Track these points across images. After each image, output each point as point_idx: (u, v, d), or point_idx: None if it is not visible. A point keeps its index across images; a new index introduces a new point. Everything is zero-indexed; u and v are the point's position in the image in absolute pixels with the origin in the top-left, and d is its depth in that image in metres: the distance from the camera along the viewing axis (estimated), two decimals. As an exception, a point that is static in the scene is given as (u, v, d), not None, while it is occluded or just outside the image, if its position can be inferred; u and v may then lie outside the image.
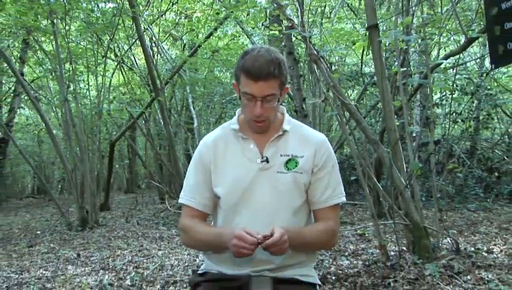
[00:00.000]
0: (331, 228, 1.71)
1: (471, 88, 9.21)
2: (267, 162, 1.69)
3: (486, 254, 4.11)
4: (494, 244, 4.54)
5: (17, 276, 4.77)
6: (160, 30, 11.93)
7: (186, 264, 4.76)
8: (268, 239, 1.51)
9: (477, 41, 8.16)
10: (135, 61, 11.78)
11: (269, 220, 1.65)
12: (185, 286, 3.93)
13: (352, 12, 10.51)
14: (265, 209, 1.67)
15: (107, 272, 4.66)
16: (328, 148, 1.76)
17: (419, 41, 6.24)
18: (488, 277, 3.40)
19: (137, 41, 9.47)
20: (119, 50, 11.10)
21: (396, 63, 5.54)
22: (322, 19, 9.43)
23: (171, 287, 3.96)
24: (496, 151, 9.71)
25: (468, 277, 3.43)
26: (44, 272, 4.85)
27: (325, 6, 10.49)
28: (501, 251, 4.27)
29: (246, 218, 1.67)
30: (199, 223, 1.73)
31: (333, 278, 3.74)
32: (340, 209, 1.77)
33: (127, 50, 10.97)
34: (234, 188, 1.69)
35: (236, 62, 1.67)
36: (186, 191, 1.78)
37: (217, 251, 1.72)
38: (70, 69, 8.75)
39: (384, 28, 7.27)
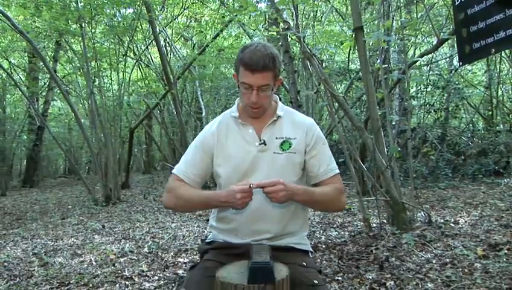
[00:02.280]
0: (336, 187, 1.69)
1: (442, 83, 9.17)
2: (265, 144, 1.67)
3: (453, 225, 4.12)
4: (460, 217, 4.54)
5: (52, 243, 4.79)
6: (173, 32, 11.87)
7: (196, 234, 4.77)
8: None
9: (447, 42, 8.12)
10: (151, 59, 11.71)
11: (266, 199, 1.62)
12: (195, 253, 3.93)
13: (340, 16, 10.43)
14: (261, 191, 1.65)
15: (128, 241, 4.67)
16: (316, 129, 1.74)
17: (398, 41, 6.19)
18: (454, 244, 3.42)
19: (153, 41, 9.41)
20: (137, 49, 11.03)
21: (378, 60, 5.49)
22: (314, 22, 9.33)
23: (183, 254, 3.97)
24: (463, 137, 9.71)
25: (438, 244, 3.44)
26: (75, 240, 4.86)
27: (316, 11, 10.39)
28: (465, 222, 4.28)
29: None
30: (186, 186, 1.71)
31: (323, 246, 3.75)
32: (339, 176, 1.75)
33: (144, 49, 10.91)
34: (236, 168, 1.67)
35: (237, 55, 1.66)
36: (181, 165, 1.75)
37: (202, 208, 1.71)
38: (96, 66, 8.73)
39: (368, 30, 7.19)
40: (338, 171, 1.73)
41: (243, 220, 1.67)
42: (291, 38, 6.84)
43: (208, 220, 5.37)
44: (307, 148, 1.70)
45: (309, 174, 1.73)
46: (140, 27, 9.44)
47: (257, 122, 1.71)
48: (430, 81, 8.95)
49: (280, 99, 1.82)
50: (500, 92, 10.52)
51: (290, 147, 1.68)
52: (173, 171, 1.76)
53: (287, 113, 1.76)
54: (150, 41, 10.32)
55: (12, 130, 14.88)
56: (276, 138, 1.69)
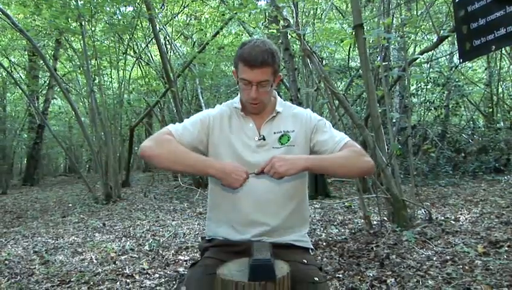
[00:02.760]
0: (351, 149, 1.63)
1: (442, 80, 9.16)
2: (264, 139, 1.67)
3: (454, 222, 4.12)
4: (461, 214, 4.54)
5: (53, 241, 4.80)
6: (173, 30, 11.84)
7: (197, 232, 4.77)
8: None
9: (447, 39, 8.10)
10: (151, 57, 11.70)
11: (266, 187, 1.63)
12: (195, 251, 3.93)
13: (340, 14, 10.41)
14: (262, 182, 1.64)
15: (128, 239, 4.67)
16: (312, 115, 1.74)
17: (399, 39, 6.18)
18: (455, 241, 3.42)
19: (153, 39, 9.41)
20: (137, 47, 11.03)
21: (378, 58, 5.48)
22: (314, 20, 9.31)
23: (183, 252, 3.97)
24: (463, 135, 9.71)
25: (439, 242, 3.44)
26: (75, 238, 4.87)
27: (316, 9, 10.36)
28: (466, 219, 4.28)
29: (244, 191, 1.63)
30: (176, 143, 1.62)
31: (324, 244, 3.74)
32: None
33: (144, 47, 10.90)
34: (235, 158, 1.65)
35: (236, 52, 1.65)
36: (180, 126, 1.69)
37: (184, 168, 1.58)
38: (96, 64, 8.74)
39: (368, 27, 7.18)
40: (348, 139, 1.68)
41: (242, 210, 1.65)
42: (292, 36, 6.83)
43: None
44: (311, 135, 1.69)
45: (322, 152, 1.68)
46: (140, 25, 9.43)
47: (257, 117, 1.71)
48: (430, 78, 8.94)
49: (280, 97, 1.82)
50: (500, 89, 10.51)
51: (288, 140, 1.67)
52: (169, 126, 1.68)
53: (285, 107, 1.76)
54: (150, 39, 10.32)
55: (12, 128, 14.89)
56: (275, 133, 1.69)
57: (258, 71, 1.56)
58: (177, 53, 11.86)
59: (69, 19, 8.01)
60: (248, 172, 1.53)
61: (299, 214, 1.73)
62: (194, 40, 13.44)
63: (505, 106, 10.27)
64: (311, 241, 1.85)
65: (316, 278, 1.54)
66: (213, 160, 1.63)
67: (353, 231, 4.12)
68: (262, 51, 1.56)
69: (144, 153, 1.57)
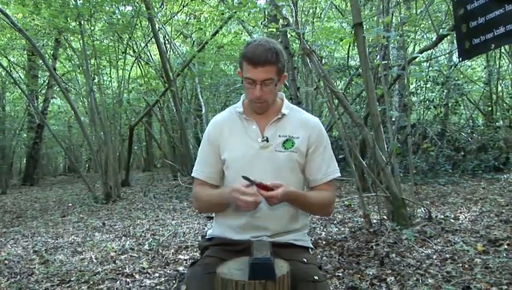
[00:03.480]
0: (328, 196, 1.71)
1: (442, 79, 9.16)
2: (267, 141, 1.67)
3: (453, 221, 4.12)
4: (460, 213, 4.54)
5: (53, 241, 4.80)
6: (173, 29, 11.84)
7: (196, 231, 4.77)
8: (263, 188, 1.49)
9: (446, 38, 8.10)
10: (151, 56, 11.69)
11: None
12: (195, 250, 3.93)
13: (339, 13, 10.41)
14: (263, 180, 1.64)
15: (128, 238, 4.67)
16: (321, 129, 1.74)
17: (398, 37, 6.17)
18: (454, 240, 3.42)
19: (152, 39, 9.40)
20: (137, 47, 11.02)
21: (378, 56, 5.48)
22: (313, 18, 9.33)
23: (183, 251, 3.96)
24: (462, 133, 9.71)
25: (439, 240, 3.44)
26: (75, 238, 4.86)
27: (316, 7, 10.38)
28: (465, 217, 4.28)
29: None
30: (206, 188, 1.72)
31: (324, 242, 3.74)
32: (334, 183, 1.76)
33: (144, 47, 10.89)
34: (237, 163, 1.67)
35: (241, 52, 1.67)
36: (197, 166, 1.76)
37: (222, 208, 1.70)
38: (95, 63, 8.73)
39: (368, 26, 7.18)
40: (337, 173, 1.73)
41: (243, 215, 1.67)
42: (291, 35, 6.84)
43: (208, 217, 5.37)
44: (309, 150, 1.70)
45: (307, 177, 1.73)
46: (139, 24, 9.42)
47: (261, 118, 1.71)
48: (429, 77, 8.93)
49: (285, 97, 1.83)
50: (499, 88, 10.52)
51: (292, 145, 1.67)
52: (193, 174, 1.78)
53: (292, 111, 1.75)
54: (149, 38, 10.31)
55: (12, 128, 14.87)
56: (280, 136, 1.68)
57: (262, 69, 1.57)
58: (176, 52, 11.86)
59: (68, 18, 8.00)
60: (257, 199, 1.49)
61: (299, 217, 1.73)
62: (194, 39, 13.44)
63: (504, 104, 10.27)
64: (311, 240, 1.86)
65: (316, 277, 1.54)
66: (224, 190, 1.65)
67: (353, 230, 4.11)
68: (266, 49, 1.57)
69: (198, 211, 1.81)
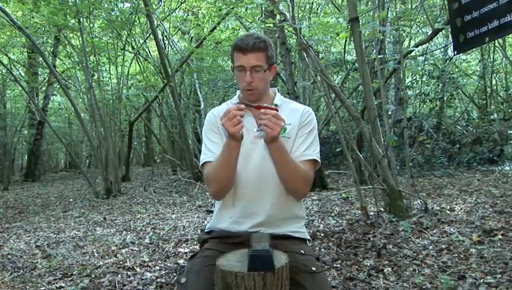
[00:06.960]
0: (305, 170, 1.66)
1: (437, 73, 9.16)
2: (262, 130, 1.68)
3: (449, 212, 4.13)
4: (456, 204, 4.56)
5: (55, 236, 4.80)
6: (171, 25, 11.79)
7: (196, 225, 4.77)
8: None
9: (441, 32, 8.10)
10: (149, 52, 11.65)
11: (261, 178, 1.66)
12: (195, 243, 3.94)
13: (336, 8, 10.38)
14: (259, 169, 1.67)
15: (129, 232, 4.68)
16: (311, 115, 1.75)
17: (394, 32, 6.16)
18: (450, 231, 3.43)
19: (151, 35, 9.34)
20: (135, 43, 10.97)
21: (374, 51, 5.46)
22: (310, 14, 9.30)
23: (183, 245, 3.97)
24: (458, 126, 9.73)
25: (435, 231, 3.45)
26: (77, 232, 4.87)
27: (312, 3, 10.35)
28: (461, 209, 4.29)
29: (242, 179, 1.67)
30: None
31: (322, 234, 3.75)
32: (315, 167, 1.71)
33: (142, 43, 10.85)
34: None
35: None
36: (203, 154, 1.74)
37: (232, 165, 1.61)
38: (95, 60, 8.71)
39: (364, 21, 7.16)
40: (315, 158, 1.70)
41: (240, 202, 1.68)
42: (288, 30, 6.81)
43: (207, 211, 5.38)
44: (299, 132, 1.71)
45: None
46: (138, 21, 9.38)
47: (256, 110, 1.72)
48: (425, 71, 8.94)
49: (278, 91, 1.84)
50: (494, 81, 10.53)
51: (285, 131, 1.68)
52: (201, 162, 1.73)
53: (284, 102, 1.78)
54: (148, 35, 10.26)
55: (13, 125, 14.83)
56: None
57: (251, 56, 1.59)
58: (174, 48, 11.80)
59: (68, 16, 7.98)
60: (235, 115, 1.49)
61: (294, 205, 1.73)
62: (192, 35, 13.38)
63: (499, 97, 10.29)
64: (309, 232, 1.86)
65: (314, 268, 1.54)
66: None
67: (350, 222, 4.12)
68: (254, 37, 1.61)
69: (214, 197, 1.72)
